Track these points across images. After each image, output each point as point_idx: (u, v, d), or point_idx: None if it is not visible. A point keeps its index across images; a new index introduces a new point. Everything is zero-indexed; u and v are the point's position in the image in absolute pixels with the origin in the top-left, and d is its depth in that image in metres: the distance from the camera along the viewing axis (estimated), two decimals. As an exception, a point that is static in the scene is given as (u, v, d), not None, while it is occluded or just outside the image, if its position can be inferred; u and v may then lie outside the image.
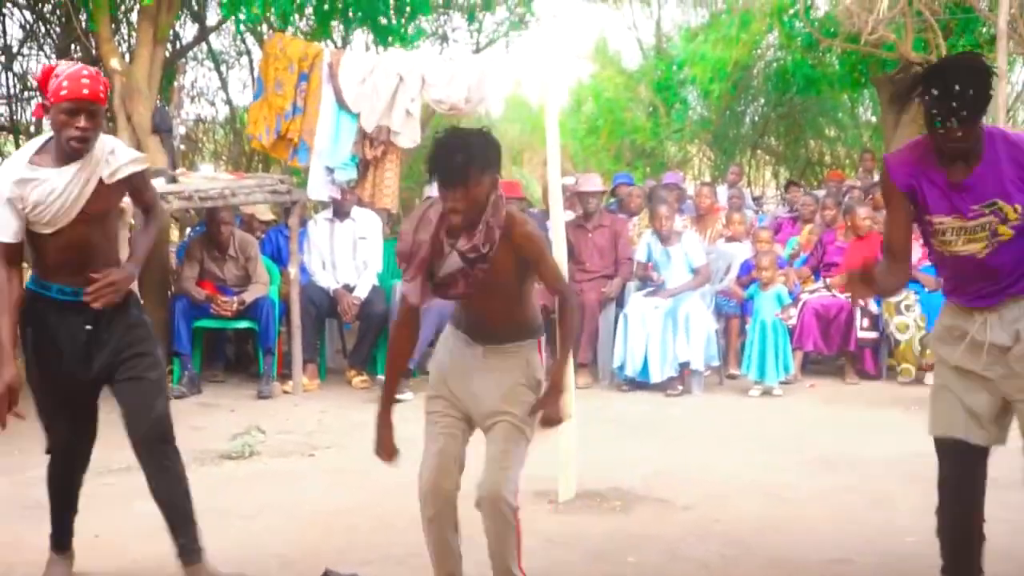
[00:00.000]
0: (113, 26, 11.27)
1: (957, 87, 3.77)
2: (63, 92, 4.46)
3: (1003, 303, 4.06)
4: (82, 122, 4.49)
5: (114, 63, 9.84)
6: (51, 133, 4.68)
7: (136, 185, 4.86)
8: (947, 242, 4.06)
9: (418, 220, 4.24)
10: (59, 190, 4.56)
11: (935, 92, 3.81)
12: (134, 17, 11.41)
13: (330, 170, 10.05)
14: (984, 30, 13.19)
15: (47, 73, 4.60)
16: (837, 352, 10.26)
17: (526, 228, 4.22)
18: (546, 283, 4.38)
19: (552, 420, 4.36)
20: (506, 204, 4.20)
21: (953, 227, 4.01)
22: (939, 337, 4.30)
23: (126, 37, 12.62)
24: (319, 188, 10.15)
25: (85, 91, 4.48)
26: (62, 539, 5.09)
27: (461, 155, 4.01)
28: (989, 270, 4.04)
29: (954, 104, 3.78)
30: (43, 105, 4.62)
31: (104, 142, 4.70)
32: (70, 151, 4.56)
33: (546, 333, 4.55)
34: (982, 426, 4.14)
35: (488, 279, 4.17)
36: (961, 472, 4.22)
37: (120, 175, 4.67)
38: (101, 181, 4.63)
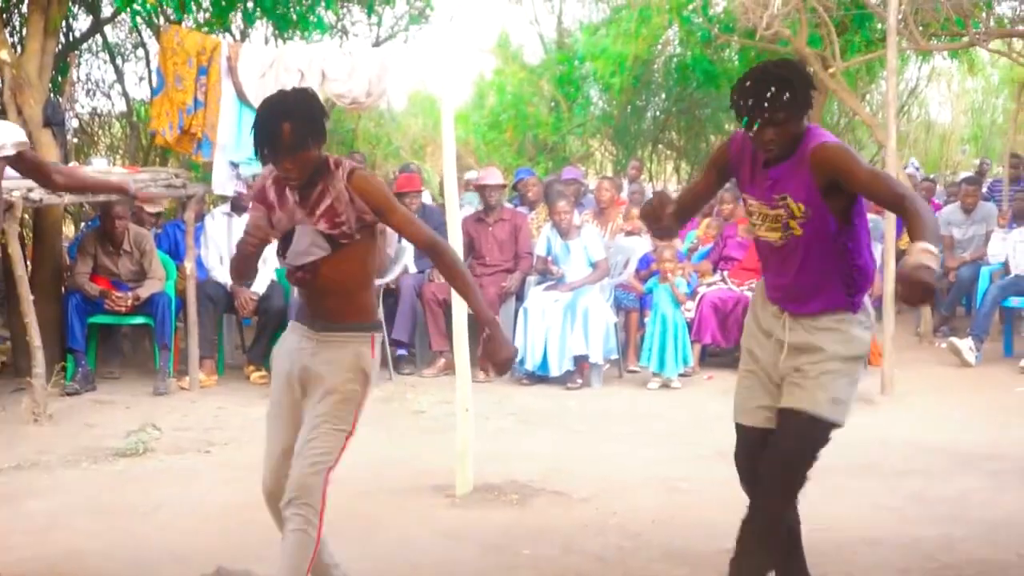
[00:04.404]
0: (3, 17, 11.05)
1: (766, 95, 3.95)
2: None
3: (803, 316, 4.19)
4: None
5: (3, 55, 9.64)
6: None
7: (25, 164, 4.82)
8: (755, 224, 4.25)
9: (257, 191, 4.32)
10: None
11: (748, 100, 3.99)
12: (25, 8, 11.17)
13: (235, 165, 9.94)
14: (878, 26, 13.39)
15: None
16: (735, 345, 10.36)
17: (366, 176, 4.18)
18: (405, 233, 4.30)
19: (502, 360, 4.24)
20: (347, 161, 4.19)
21: (760, 212, 4.18)
22: (747, 322, 4.49)
23: (17, 28, 12.38)
24: (224, 183, 10.02)
25: None
26: None
27: (287, 122, 4.00)
28: (786, 265, 4.19)
29: (760, 110, 3.96)
30: None
31: None
32: None
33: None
34: (770, 411, 4.30)
35: (341, 253, 4.14)
36: (748, 452, 4.38)
37: (7, 152, 4.65)
38: None
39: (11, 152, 4.67)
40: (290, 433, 4.27)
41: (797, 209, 4.07)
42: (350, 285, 4.22)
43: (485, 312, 4.22)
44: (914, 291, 3.61)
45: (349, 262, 4.17)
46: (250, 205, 4.37)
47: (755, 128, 4.01)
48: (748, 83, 4.04)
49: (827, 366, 4.14)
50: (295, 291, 8.86)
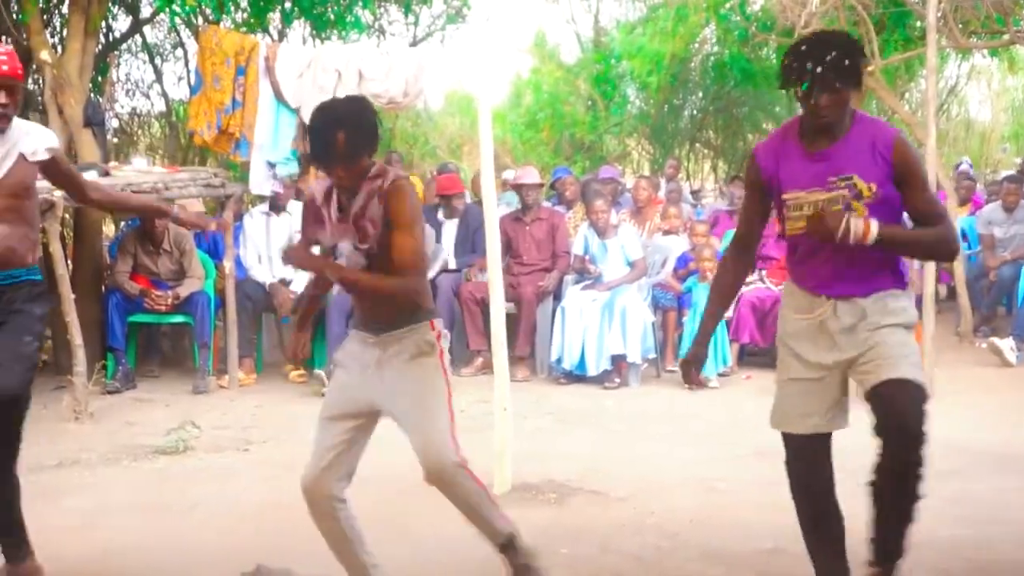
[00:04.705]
0: (44, 18, 11.14)
1: (826, 58, 3.92)
2: None
3: (855, 297, 4.17)
4: (2, 98, 4.54)
5: (44, 55, 9.72)
6: None
7: (58, 169, 4.85)
8: (801, 217, 4.14)
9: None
10: None
11: (806, 63, 3.95)
12: (66, 9, 11.26)
13: (271, 165, 9.99)
14: (917, 24, 13.30)
15: None
16: (773, 344, 10.29)
17: (403, 191, 4.21)
18: (396, 252, 4.22)
19: (293, 259, 4.32)
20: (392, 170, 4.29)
21: (808, 201, 4.11)
22: (787, 329, 4.39)
23: (57, 29, 12.47)
24: (261, 183, 10.09)
25: (4, 67, 4.53)
26: (7, 547, 4.97)
27: (341, 131, 4.09)
28: (840, 247, 4.08)
29: (818, 73, 3.93)
30: None
31: (17, 122, 4.71)
32: None
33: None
34: (820, 416, 4.30)
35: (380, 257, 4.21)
36: (802, 459, 4.37)
37: (40, 156, 4.69)
38: (21, 157, 4.64)
39: (44, 156, 4.69)
40: (339, 435, 4.36)
41: (867, 189, 4.03)
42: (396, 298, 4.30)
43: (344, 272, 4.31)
44: (818, 226, 4.00)
45: (392, 264, 4.23)
46: (298, 238, 4.47)
47: (810, 93, 3.98)
48: (804, 47, 4.02)
49: (897, 337, 4.16)
50: (335, 289, 8.94)
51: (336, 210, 4.27)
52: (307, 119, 9.71)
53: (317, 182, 4.42)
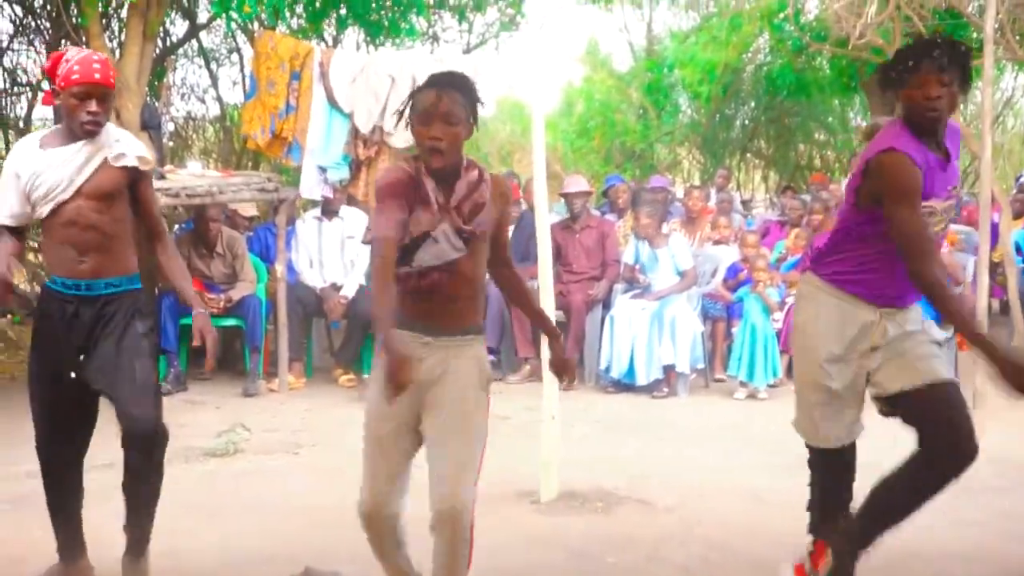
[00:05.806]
0: (103, 22, 11.27)
1: (951, 55, 3.98)
2: (75, 76, 4.54)
3: (903, 309, 4.24)
4: (93, 106, 4.57)
5: (103, 59, 9.83)
6: (48, 128, 4.74)
7: (140, 189, 4.82)
8: (937, 223, 4.15)
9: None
10: (59, 162, 4.63)
11: (935, 56, 3.97)
12: (124, 13, 11.39)
13: (323, 169, 10.06)
14: (973, 35, 13.20)
15: (56, 60, 4.66)
16: (823, 355, 10.23)
17: (505, 183, 4.21)
18: (502, 249, 4.25)
19: (564, 368, 4.33)
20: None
21: (940, 208, 4.09)
22: (814, 357, 4.43)
23: (116, 33, 12.62)
24: (312, 187, 10.16)
25: (97, 75, 4.56)
26: (64, 547, 5.04)
27: (456, 75, 4.17)
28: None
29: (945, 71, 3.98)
30: (52, 91, 4.68)
31: (110, 128, 4.75)
32: (82, 134, 4.63)
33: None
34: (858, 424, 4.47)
35: (475, 251, 4.04)
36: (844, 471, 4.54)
37: (126, 162, 4.70)
38: (106, 161, 4.66)
39: (131, 163, 4.70)
40: (397, 457, 4.07)
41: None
42: (477, 286, 4.10)
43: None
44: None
45: (478, 264, 4.09)
46: (381, 202, 3.96)
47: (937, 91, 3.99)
48: (937, 47, 4.03)
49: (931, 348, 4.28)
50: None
51: (438, 193, 3.98)
52: (359, 124, 9.81)
53: (397, 165, 4.13)
